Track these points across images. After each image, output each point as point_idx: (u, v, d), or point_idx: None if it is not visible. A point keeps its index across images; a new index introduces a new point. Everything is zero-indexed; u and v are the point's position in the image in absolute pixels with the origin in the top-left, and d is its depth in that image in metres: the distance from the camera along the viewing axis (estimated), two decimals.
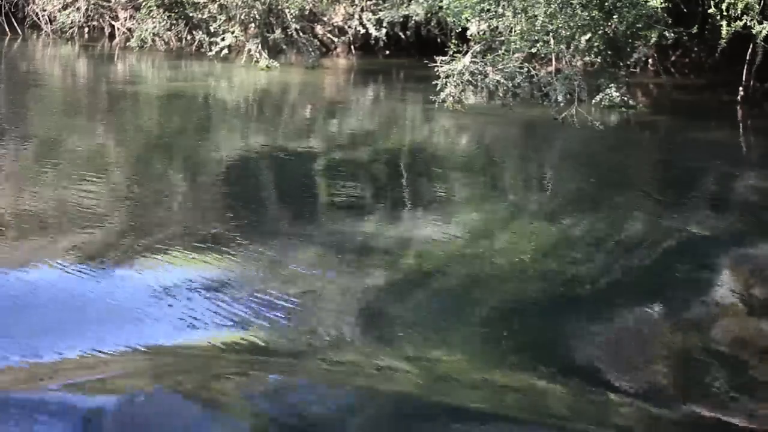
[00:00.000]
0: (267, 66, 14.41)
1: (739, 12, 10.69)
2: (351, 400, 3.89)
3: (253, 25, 15.15)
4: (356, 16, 15.60)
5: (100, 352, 4.20)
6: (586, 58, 11.74)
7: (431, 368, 4.33)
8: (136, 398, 3.54)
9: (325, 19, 15.99)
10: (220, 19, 15.22)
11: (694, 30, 11.42)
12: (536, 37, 10.73)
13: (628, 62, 12.36)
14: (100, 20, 17.39)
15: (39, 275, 5.22)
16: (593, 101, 10.95)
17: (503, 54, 10.99)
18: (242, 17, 15.08)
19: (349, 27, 15.71)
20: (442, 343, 4.58)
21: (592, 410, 4.04)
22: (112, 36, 17.09)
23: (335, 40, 16.11)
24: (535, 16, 10.46)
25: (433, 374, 4.27)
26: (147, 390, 3.66)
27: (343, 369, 4.24)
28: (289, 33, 15.41)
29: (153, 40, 15.98)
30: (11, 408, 3.46)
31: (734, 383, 4.38)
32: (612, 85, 10.99)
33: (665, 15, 11.28)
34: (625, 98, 11.12)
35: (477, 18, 11.28)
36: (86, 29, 17.46)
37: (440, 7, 12.60)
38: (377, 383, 4.11)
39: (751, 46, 11.67)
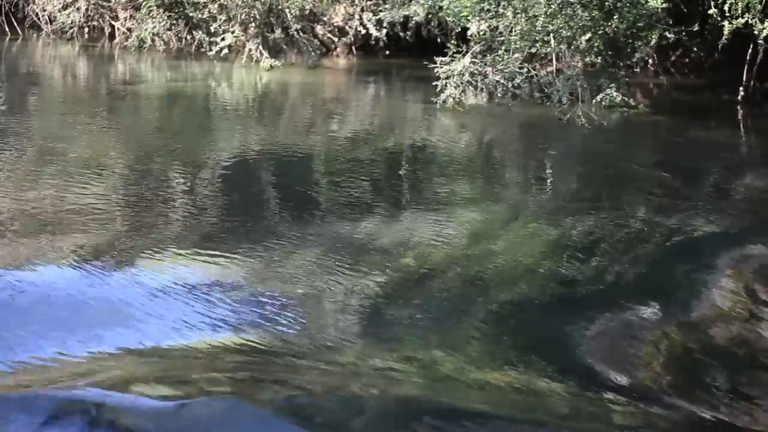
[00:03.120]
0: (270, 66, 14.40)
1: (740, 11, 10.69)
2: (350, 401, 3.89)
3: (253, 25, 15.15)
4: (356, 16, 15.60)
5: (99, 352, 4.21)
6: (587, 59, 11.74)
7: (431, 369, 4.33)
8: (135, 398, 3.55)
9: (326, 19, 15.99)
10: (220, 19, 15.22)
11: (695, 29, 11.43)
12: (536, 37, 10.74)
13: (629, 62, 12.37)
14: (100, 20, 17.38)
15: (39, 275, 5.22)
16: (594, 101, 10.96)
17: (503, 54, 11.01)
18: (242, 17, 15.09)
19: (350, 27, 15.71)
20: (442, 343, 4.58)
21: (592, 410, 4.04)
22: (112, 36, 17.09)
23: (335, 40, 16.11)
24: (536, 16, 10.47)
25: (433, 375, 4.27)
26: (146, 390, 3.67)
27: (342, 370, 4.24)
28: (290, 33, 15.42)
29: (153, 40, 15.98)
30: (10, 408, 3.46)
31: (734, 383, 4.38)
32: (612, 85, 10.99)
33: (665, 15, 11.29)
34: (626, 98, 11.12)
35: (477, 18, 11.29)
36: (86, 29, 17.47)
37: (440, 7, 12.61)
38: (377, 384, 4.11)
39: (751, 46, 11.67)
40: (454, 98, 10.89)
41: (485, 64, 11.08)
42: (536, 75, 11.31)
